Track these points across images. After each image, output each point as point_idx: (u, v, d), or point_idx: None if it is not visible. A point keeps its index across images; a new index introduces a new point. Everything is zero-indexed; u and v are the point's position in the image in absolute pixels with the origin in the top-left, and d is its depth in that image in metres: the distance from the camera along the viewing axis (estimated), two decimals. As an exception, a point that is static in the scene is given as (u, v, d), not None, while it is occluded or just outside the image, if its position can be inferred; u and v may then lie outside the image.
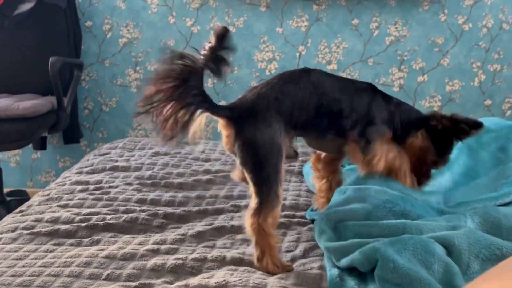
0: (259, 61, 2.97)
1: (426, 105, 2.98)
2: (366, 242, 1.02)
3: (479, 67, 2.93)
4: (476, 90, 2.96)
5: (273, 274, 1.06)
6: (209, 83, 2.98)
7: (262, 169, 1.09)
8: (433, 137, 1.29)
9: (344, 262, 1.03)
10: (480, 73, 2.94)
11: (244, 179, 1.17)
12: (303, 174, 1.65)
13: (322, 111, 1.20)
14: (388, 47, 2.93)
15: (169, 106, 1.04)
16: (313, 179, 1.41)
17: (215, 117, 1.12)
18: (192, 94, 1.05)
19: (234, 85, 2.95)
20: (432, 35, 2.91)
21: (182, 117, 1.05)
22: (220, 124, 1.14)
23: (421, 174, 1.32)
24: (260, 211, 1.08)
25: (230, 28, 2.92)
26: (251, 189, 1.10)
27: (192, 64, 1.05)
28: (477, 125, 1.27)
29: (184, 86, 1.04)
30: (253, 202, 1.09)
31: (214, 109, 1.10)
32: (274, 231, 1.09)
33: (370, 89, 1.28)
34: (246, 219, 1.09)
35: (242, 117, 1.11)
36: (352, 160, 1.29)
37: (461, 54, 2.92)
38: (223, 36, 1.09)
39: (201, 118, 1.08)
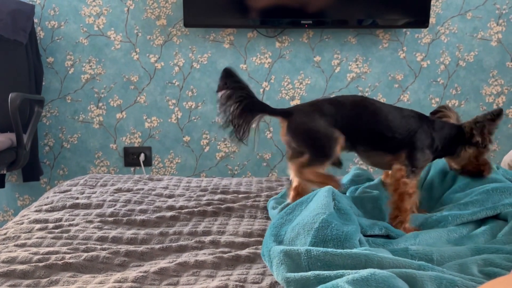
0: (223, 97, 2.98)
1: (388, 139, 3.03)
2: (328, 276, 1.01)
3: (438, 103, 3.01)
4: (436, 125, 3.03)
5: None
6: (173, 118, 2.97)
7: (306, 147, 1.49)
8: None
9: None
10: (439, 108, 3.01)
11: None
12: (268, 208, 1.64)
13: (374, 133, 1.50)
14: (349, 83, 2.99)
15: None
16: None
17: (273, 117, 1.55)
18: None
19: (198, 120, 2.94)
20: (391, 72, 2.98)
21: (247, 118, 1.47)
22: (279, 122, 1.54)
23: (482, 169, 1.55)
24: (308, 165, 1.49)
25: (194, 64, 2.94)
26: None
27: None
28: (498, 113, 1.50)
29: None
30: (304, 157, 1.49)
31: (272, 111, 1.53)
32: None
33: (417, 116, 1.52)
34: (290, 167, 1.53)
35: (291, 115, 1.52)
36: (390, 177, 1.52)
37: (420, 90, 3.00)
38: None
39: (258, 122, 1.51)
